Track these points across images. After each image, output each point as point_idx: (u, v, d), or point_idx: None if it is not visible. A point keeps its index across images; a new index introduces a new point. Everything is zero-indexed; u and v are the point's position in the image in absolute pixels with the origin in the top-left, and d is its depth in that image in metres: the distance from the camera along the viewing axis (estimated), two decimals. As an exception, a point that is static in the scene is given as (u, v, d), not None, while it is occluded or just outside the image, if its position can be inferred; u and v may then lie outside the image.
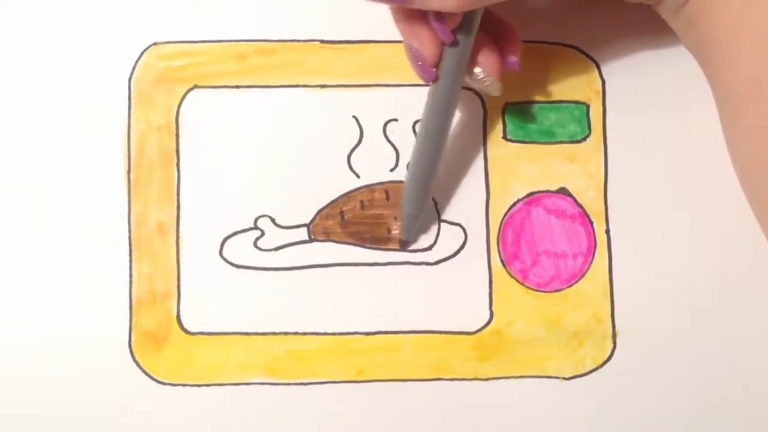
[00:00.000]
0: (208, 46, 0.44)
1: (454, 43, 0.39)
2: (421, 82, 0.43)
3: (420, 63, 0.39)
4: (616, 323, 0.43)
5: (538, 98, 0.44)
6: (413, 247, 0.43)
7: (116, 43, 0.44)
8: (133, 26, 0.44)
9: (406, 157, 0.44)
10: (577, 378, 0.43)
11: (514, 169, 0.44)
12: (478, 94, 0.44)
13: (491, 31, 0.41)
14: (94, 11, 0.44)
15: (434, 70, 0.40)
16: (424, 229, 0.44)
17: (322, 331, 0.43)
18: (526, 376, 0.43)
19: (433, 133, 0.41)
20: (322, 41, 0.44)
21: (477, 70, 0.40)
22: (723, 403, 0.43)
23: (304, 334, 0.43)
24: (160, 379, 0.43)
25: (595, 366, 0.43)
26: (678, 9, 0.40)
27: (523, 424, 0.43)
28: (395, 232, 0.44)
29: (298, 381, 0.43)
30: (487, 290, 0.43)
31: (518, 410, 0.43)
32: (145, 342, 0.43)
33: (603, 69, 0.44)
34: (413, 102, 0.43)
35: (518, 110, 0.44)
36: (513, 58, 0.41)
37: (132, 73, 0.44)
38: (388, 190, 0.44)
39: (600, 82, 0.44)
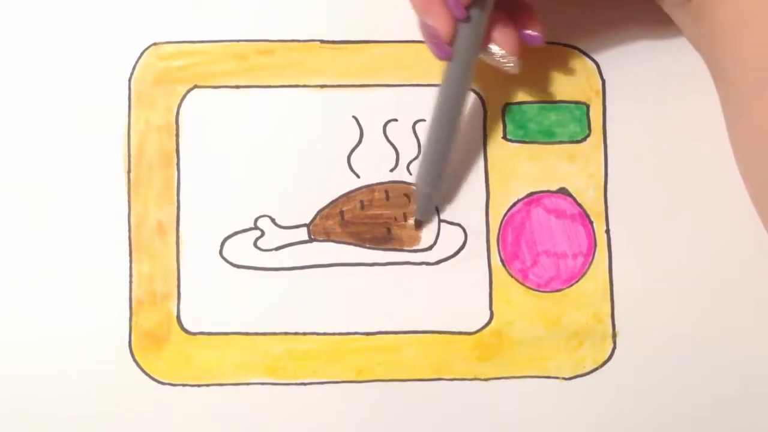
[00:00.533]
0: (208, 46, 0.44)
1: (468, 20, 0.39)
2: (422, 82, 0.43)
3: (434, 40, 0.39)
4: (616, 323, 0.43)
5: (538, 98, 0.44)
6: (414, 247, 0.43)
7: (116, 43, 0.44)
8: (133, 26, 0.44)
9: (406, 157, 0.44)
10: (577, 378, 0.43)
11: (514, 169, 0.44)
12: (478, 94, 0.44)
13: (508, 9, 0.40)
14: (94, 11, 0.44)
15: (449, 47, 0.39)
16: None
17: (322, 331, 0.43)
18: (526, 376, 0.43)
19: (447, 112, 0.41)
20: (322, 41, 0.44)
21: (493, 47, 0.40)
22: (723, 403, 0.43)
23: (304, 334, 0.43)
24: (160, 379, 0.43)
25: (595, 366, 0.43)
26: (684, 2, 0.40)
27: (523, 424, 0.43)
28: (395, 231, 0.44)
29: (298, 381, 0.43)
30: (487, 290, 0.43)
31: (518, 410, 0.43)
32: (145, 342, 0.43)
33: (603, 69, 0.44)
34: (413, 102, 0.43)
35: (518, 110, 0.44)
36: (532, 32, 0.40)
37: (132, 73, 0.44)
38: (388, 190, 0.44)
39: (600, 82, 0.44)
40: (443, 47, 0.39)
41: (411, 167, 0.44)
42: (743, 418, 0.43)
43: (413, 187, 0.43)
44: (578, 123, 0.44)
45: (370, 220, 0.44)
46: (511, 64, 0.40)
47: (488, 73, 0.44)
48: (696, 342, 0.43)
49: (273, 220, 0.44)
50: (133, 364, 0.43)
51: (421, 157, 0.43)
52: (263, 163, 0.44)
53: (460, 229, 0.44)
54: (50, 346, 0.43)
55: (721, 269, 0.43)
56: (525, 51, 0.43)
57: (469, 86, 0.41)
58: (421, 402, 0.43)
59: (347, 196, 0.44)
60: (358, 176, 0.44)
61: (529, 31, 0.40)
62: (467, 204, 0.44)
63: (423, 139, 0.42)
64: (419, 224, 0.43)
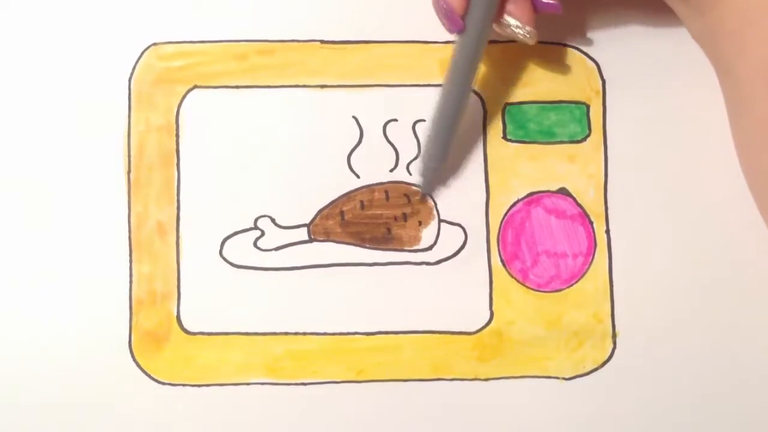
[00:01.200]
0: (208, 46, 0.44)
1: None
2: (422, 82, 0.43)
3: (447, 14, 0.39)
4: (616, 323, 0.43)
5: (538, 98, 0.44)
6: (414, 247, 0.43)
7: (116, 43, 0.44)
8: (133, 26, 0.44)
9: (406, 157, 0.44)
10: (577, 378, 0.43)
11: (514, 169, 0.44)
12: (478, 94, 0.44)
13: None
14: (94, 11, 0.44)
15: (461, 20, 0.39)
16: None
17: (322, 331, 0.43)
18: (526, 376, 0.43)
19: (457, 86, 0.41)
20: (322, 41, 0.44)
21: (507, 18, 0.40)
22: (723, 403, 0.43)
23: (304, 334, 0.43)
24: (160, 379, 0.43)
25: (595, 366, 0.43)
26: None
27: (523, 424, 0.43)
28: (395, 231, 0.44)
29: (298, 381, 0.43)
30: (487, 290, 0.43)
31: (518, 410, 0.43)
32: (145, 342, 0.43)
33: (603, 69, 0.44)
34: (413, 102, 0.43)
35: (518, 110, 0.44)
36: (549, 0, 0.40)
37: (132, 73, 0.44)
38: (388, 190, 0.44)
39: (600, 82, 0.44)
40: (456, 20, 0.39)
41: (411, 167, 0.44)
42: (743, 417, 0.43)
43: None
44: (578, 123, 0.44)
45: (370, 220, 0.44)
46: (528, 36, 0.40)
47: (488, 73, 0.44)
48: (696, 342, 0.43)
49: (273, 220, 0.44)
50: (133, 364, 0.43)
51: (428, 131, 0.42)
52: (263, 163, 0.44)
53: (460, 229, 0.44)
54: (50, 346, 0.43)
55: (721, 269, 0.43)
56: (525, 51, 0.43)
57: (480, 60, 0.41)
58: (421, 402, 0.43)
59: (347, 196, 0.44)
60: (358, 176, 0.44)
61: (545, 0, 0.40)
62: (467, 204, 0.44)
63: (431, 112, 0.42)
64: (425, 198, 0.43)
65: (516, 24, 0.40)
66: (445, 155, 0.42)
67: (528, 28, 0.40)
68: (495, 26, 0.41)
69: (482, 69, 0.44)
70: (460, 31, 0.40)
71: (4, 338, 0.43)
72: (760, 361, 0.43)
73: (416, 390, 0.43)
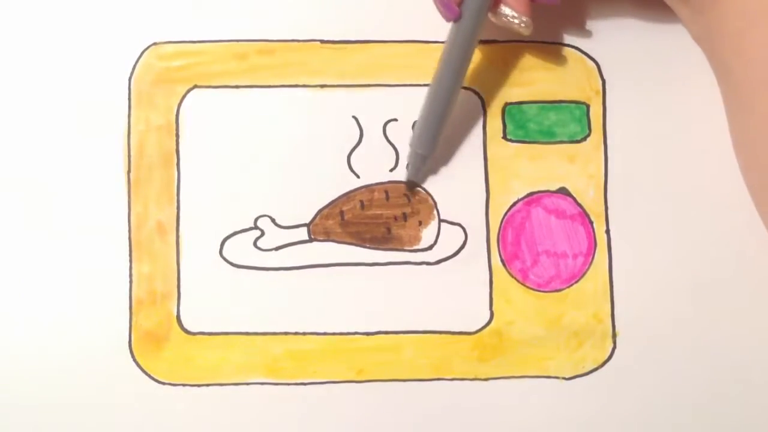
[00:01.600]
0: (208, 46, 0.44)
1: None
2: (422, 82, 0.43)
3: (443, 0, 0.39)
4: (616, 323, 0.43)
5: (538, 98, 0.44)
6: (414, 247, 0.43)
7: (116, 43, 0.44)
8: (133, 26, 0.44)
9: (406, 157, 0.44)
10: (577, 378, 0.43)
11: (514, 169, 0.44)
12: (478, 93, 0.44)
13: None
14: (94, 11, 0.44)
15: (457, 8, 0.39)
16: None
17: (322, 331, 0.43)
18: (526, 376, 0.43)
19: (449, 74, 0.41)
20: (322, 41, 0.44)
21: (503, 7, 0.40)
22: (723, 402, 0.43)
23: (304, 334, 0.43)
24: (160, 379, 0.43)
25: (595, 366, 0.43)
26: None
27: (523, 424, 0.43)
28: (395, 231, 0.44)
29: (298, 381, 0.43)
30: (487, 290, 0.43)
31: (518, 410, 0.43)
32: (145, 342, 0.43)
33: (603, 69, 0.44)
34: (413, 102, 0.43)
35: (518, 110, 0.44)
36: None
37: (132, 73, 0.44)
38: (387, 190, 0.44)
39: (600, 82, 0.44)
40: (452, 7, 0.39)
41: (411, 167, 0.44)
42: (743, 417, 0.43)
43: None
44: (578, 123, 0.44)
45: (370, 220, 0.44)
46: (523, 25, 0.40)
47: (488, 72, 0.44)
48: (696, 342, 0.43)
49: (273, 220, 0.44)
50: (133, 364, 0.43)
51: (419, 117, 0.42)
52: (263, 163, 0.44)
53: (460, 229, 0.44)
54: (50, 345, 0.43)
55: (721, 269, 0.43)
56: (525, 51, 0.43)
57: (474, 49, 0.41)
58: (421, 402, 0.43)
59: (347, 196, 0.44)
60: (358, 176, 0.44)
61: None
62: (467, 204, 0.44)
63: (423, 99, 0.42)
64: (411, 185, 0.43)
65: (512, 14, 0.40)
66: (434, 143, 0.42)
67: (524, 18, 0.40)
68: (490, 15, 0.41)
69: (482, 69, 0.44)
70: (456, 19, 0.40)
71: (4, 338, 0.43)
72: (760, 361, 0.43)
73: (416, 390, 0.43)
